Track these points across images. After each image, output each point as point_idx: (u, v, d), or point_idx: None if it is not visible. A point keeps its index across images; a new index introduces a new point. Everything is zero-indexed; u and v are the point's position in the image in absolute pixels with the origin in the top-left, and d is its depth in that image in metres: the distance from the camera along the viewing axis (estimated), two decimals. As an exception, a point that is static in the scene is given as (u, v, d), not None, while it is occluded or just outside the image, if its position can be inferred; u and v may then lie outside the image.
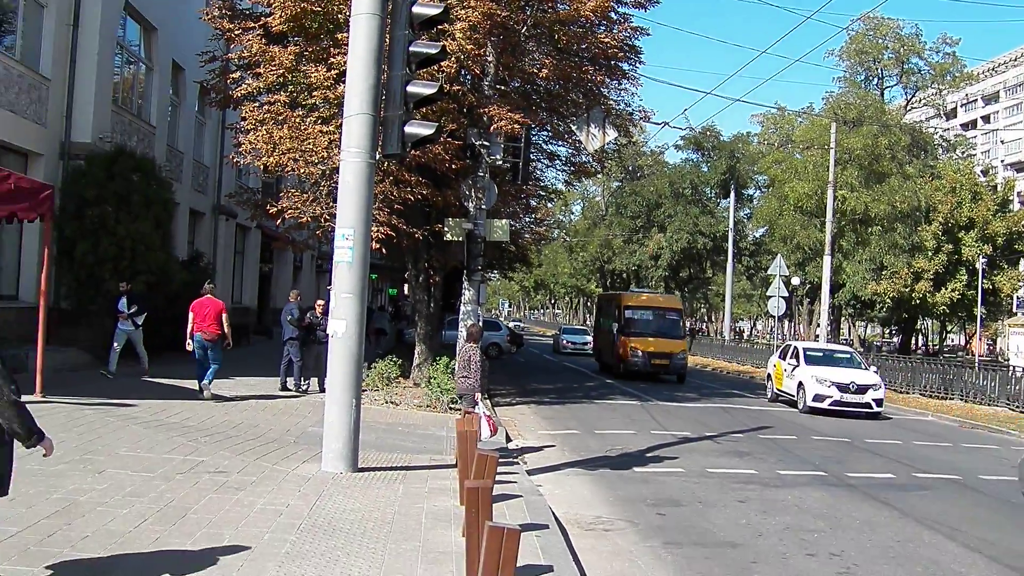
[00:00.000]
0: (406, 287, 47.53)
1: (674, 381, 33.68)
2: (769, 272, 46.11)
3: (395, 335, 37.14)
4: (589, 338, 53.04)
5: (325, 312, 18.30)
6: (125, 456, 10.82)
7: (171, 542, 7.47)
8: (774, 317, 46.77)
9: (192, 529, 7.92)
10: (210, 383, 17.23)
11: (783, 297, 42.66)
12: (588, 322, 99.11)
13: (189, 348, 17.47)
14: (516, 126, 19.86)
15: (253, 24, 22.14)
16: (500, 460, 8.84)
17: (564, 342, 55.89)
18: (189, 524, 8.08)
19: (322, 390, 16.75)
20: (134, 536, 7.53)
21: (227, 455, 11.53)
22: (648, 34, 23.77)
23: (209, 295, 17.74)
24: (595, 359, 41.69)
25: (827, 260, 42.59)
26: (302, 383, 19.70)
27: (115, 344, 18.40)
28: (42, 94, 20.55)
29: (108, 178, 20.62)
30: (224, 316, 17.48)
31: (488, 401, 14.15)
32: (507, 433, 16.91)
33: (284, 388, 19.37)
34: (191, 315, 17.51)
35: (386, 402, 18.93)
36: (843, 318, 66.68)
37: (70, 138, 21.38)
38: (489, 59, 20.77)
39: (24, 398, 13.63)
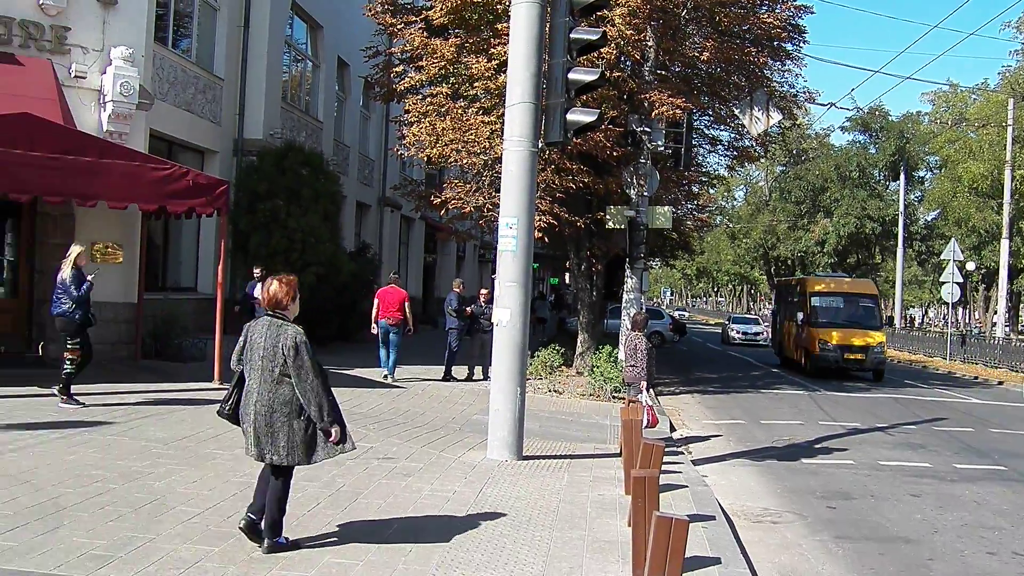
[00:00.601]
0: (567, 276, 47.65)
1: (870, 379, 29.72)
2: (942, 257, 44.06)
3: (556, 324, 37.23)
4: (761, 328, 50.67)
5: (489, 301, 18.50)
6: (299, 441, 11.15)
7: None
8: (947, 304, 44.81)
9: (362, 513, 8.10)
10: (393, 370, 18.53)
11: (957, 283, 40.66)
12: (753, 310, 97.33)
13: (373, 331, 18.78)
14: (677, 111, 19.63)
15: (414, 18, 22.52)
16: (665, 449, 8.73)
17: (733, 332, 51.97)
18: (360, 508, 8.27)
19: (486, 378, 16.95)
20: (308, 519, 7.75)
21: (395, 442, 11.77)
22: (812, 12, 22.97)
23: (394, 284, 19.02)
24: (776, 353, 37.84)
25: (1005, 244, 40.70)
26: (468, 372, 19.95)
27: None
28: (216, 94, 21.43)
29: (279, 173, 21.36)
30: (407, 304, 18.67)
31: (652, 390, 14.04)
32: (671, 422, 16.76)
33: (448, 377, 19.64)
34: (376, 302, 18.81)
35: (549, 391, 19.01)
36: (1022, 305, 63.54)
37: (243, 135, 22.28)
38: (649, 44, 20.57)
39: (202, 385, 14.25)
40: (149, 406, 12.76)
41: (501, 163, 11.94)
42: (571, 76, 11.37)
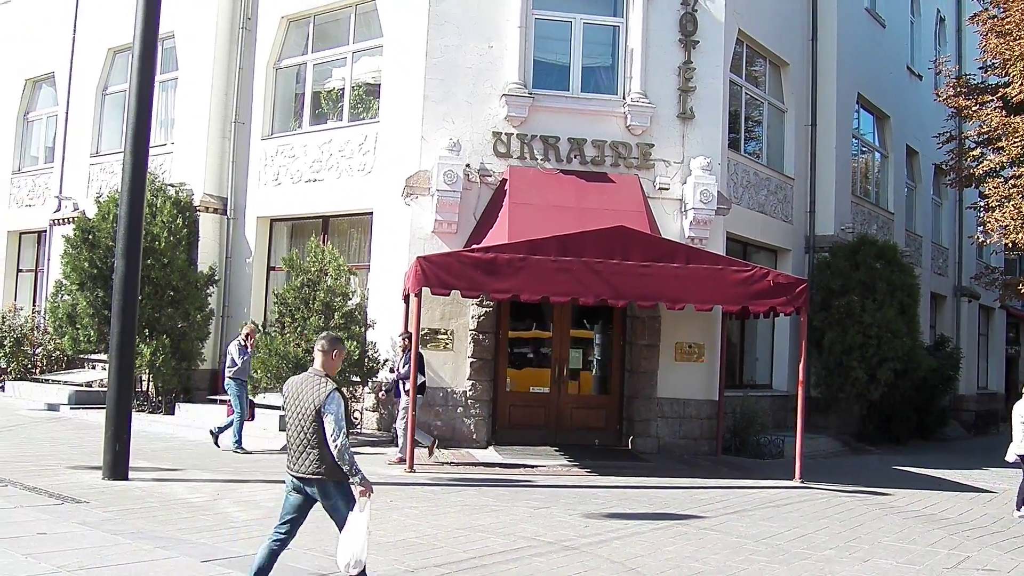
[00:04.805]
0: None
1: None
2: None
3: None
4: None
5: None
6: (888, 546, 10.81)
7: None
8: None
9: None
10: None
11: None
12: None
13: None
14: None
15: (990, 97, 21.63)
16: None
17: None
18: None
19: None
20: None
21: (995, 552, 10.95)
22: None
23: None
24: None
25: None
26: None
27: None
28: (787, 193, 21.90)
29: (852, 268, 21.17)
30: None
31: None
32: None
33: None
34: None
35: None
36: None
37: (814, 231, 22.46)
38: None
39: (781, 483, 14.31)
40: (734, 501, 13.11)
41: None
42: None
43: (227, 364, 15.81)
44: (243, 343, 15.80)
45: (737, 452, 18.00)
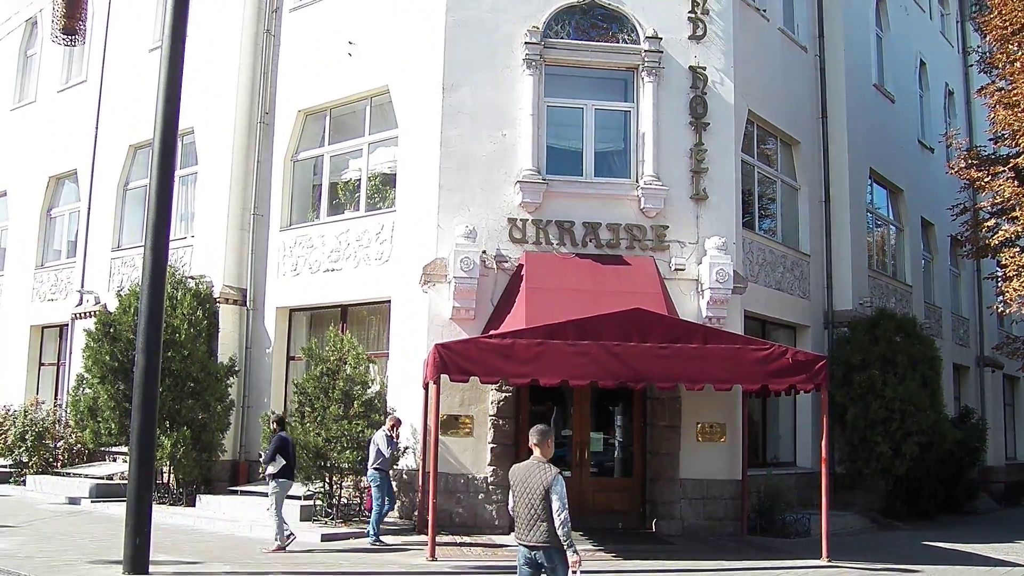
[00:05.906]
0: None
1: None
2: None
3: None
4: None
5: None
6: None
7: None
8: None
9: None
10: None
11: None
12: None
13: None
14: None
15: (1002, 168, 21.71)
16: None
17: None
18: None
19: None
20: None
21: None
22: None
23: None
24: None
25: None
26: None
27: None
28: (804, 270, 21.96)
29: (871, 342, 21.13)
30: None
31: None
32: None
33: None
34: None
35: None
36: None
37: (832, 307, 22.45)
38: None
39: (809, 562, 14.16)
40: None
41: None
42: None
43: (373, 454, 15.44)
44: (389, 434, 15.60)
45: (763, 532, 17.77)
